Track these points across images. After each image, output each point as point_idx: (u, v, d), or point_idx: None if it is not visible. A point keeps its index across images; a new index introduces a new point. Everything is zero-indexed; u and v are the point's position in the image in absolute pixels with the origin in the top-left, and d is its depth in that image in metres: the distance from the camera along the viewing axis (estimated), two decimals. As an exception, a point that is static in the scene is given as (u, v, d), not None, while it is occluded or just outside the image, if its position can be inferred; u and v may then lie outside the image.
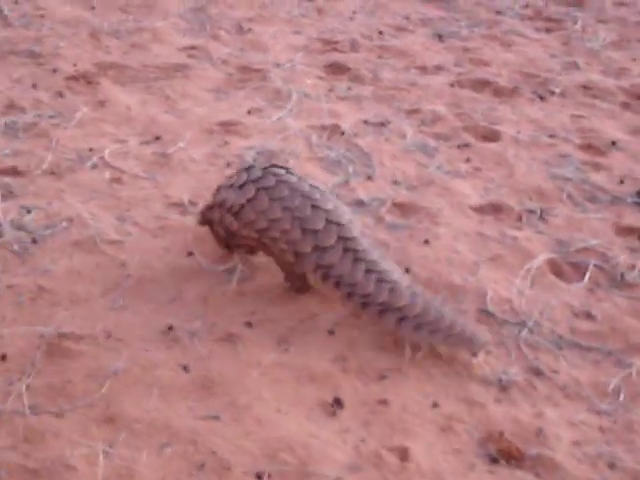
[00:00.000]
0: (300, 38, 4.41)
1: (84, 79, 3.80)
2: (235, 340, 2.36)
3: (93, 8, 4.58)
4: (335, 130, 3.52)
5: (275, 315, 2.45)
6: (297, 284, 2.57)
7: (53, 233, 2.74)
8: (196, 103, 3.67)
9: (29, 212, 2.85)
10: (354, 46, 4.35)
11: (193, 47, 4.21)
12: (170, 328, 2.38)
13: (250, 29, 4.46)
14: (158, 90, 3.77)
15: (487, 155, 3.38)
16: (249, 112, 3.63)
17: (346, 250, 2.45)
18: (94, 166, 3.14)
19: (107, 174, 3.10)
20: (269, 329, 2.41)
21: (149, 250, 2.69)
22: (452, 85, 4.04)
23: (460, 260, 2.72)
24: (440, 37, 4.58)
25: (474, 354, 2.39)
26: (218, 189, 2.64)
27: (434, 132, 3.59)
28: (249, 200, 2.52)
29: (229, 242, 2.64)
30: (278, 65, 4.08)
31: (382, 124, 3.62)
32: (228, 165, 3.18)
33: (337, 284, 2.46)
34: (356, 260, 2.45)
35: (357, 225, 2.53)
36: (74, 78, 3.82)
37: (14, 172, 3.04)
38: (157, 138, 3.38)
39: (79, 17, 4.44)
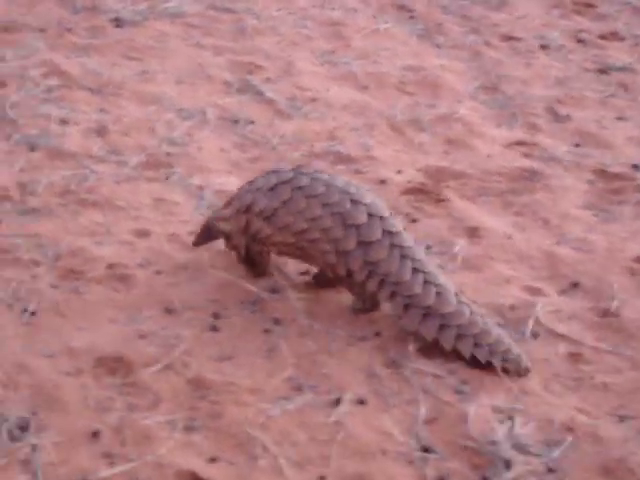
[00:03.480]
0: (630, 127, 3.80)
1: (425, 194, 3.17)
2: None
3: (366, 88, 3.94)
4: None
5: None
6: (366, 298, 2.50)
7: (565, 454, 2.09)
8: (585, 228, 3.06)
9: (510, 419, 2.20)
10: None
11: (520, 143, 3.60)
12: None
13: (568, 115, 3.83)
14: (524, 208, 3.15)
15: None
16: (660, 241, 2.99)
17: (392, 246, 2.42)
18: (535, 334, 2.49)
19: (560, 347, 2.45)
20: None
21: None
22: None
23: None
24: None
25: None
26: (237, 196, 2.60)
27: None
28: (284, 202, 2.48)
29: (251, 250, 2.60)
30: (636, 167, 3.44)
31: None
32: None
33: (382, 282, 2.42)
34: (403, 257, 2.42)
35: (399, 220, 2.51)
36: (412, 192, 3.20)
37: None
38: (575, 285, 2.73)
39: (357, 101, 3.83)
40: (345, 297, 2.60)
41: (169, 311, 2.51)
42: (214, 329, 2.46)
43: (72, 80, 3.82)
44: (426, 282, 2.41)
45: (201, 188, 3.11)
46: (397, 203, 3.13)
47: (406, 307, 2.42)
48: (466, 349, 2.37)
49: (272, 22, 4.59)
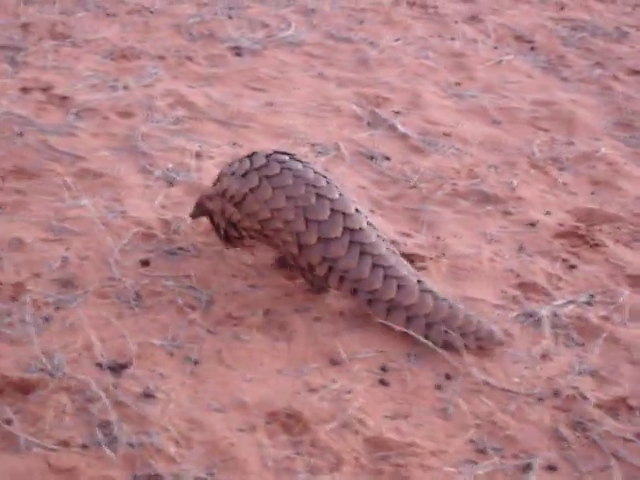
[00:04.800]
0: None
1: (580, 238, 3.03)
2: None
3: (498, 123, 3.80)
4: None
5: None
6: (315, 282, 2.58)
7: None
8: None
9: None
10: None
11: (668, 184, 3.42)
12: None
13: None
14: (686, 255, 2.97)
15: None
16: None
17: (352, 243, 2.47)
18: None
19: None
20: None
21: None
22: None
23: None
24: None
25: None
26: (219, 177, 2.67)
27: None
28: (252, 189, 2.54)
29: (229, 234, 2.66)
30: None
31: None
32: None
33: (342, 279, 2.48)
34: (363, 254, 2.47)
35: (364, 216, 2.53)
36: (565, 236, 3.06)
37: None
38: None
39: (490, 136, 3.72)
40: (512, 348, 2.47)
41: (335, 362, 2.40)
42: (384, 383, 2.34)
43: (199, 111, 3.74)
44: (386, 276, 2.46)
45: (348, 228, 2.98)
46: (551, 247, 2.99)
47: (369, 302, 2.48)
48: (437, 337, 2.43)
49: (393, 53, 4.49)
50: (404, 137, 3.67)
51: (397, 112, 3.88)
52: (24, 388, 2.22)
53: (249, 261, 2.79)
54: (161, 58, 4.25)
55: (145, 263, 2.72)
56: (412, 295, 2.46)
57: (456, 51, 4.56)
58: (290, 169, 2.55)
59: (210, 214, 2.72)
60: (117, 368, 2.29)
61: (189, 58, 4.27)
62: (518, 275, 2.83)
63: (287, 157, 2.60)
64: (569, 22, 5.07)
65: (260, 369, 2.36)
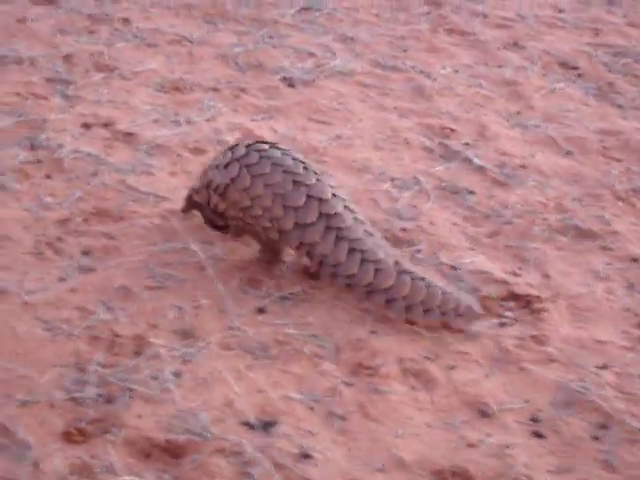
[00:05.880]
0: None
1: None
2: None
3: (569, 153, 3.74)
4: None
5: None
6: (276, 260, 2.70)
7: None
8: None
9: None
10: None
11: None
12: None
13: None
14: None
15: None
16: None
17: (328, 228, 2.54)
18: None
19: None
20: None
21: None
22: None
23: None
24: None
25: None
26: (205, 170, 2.76)
27: None
28: (233, 179, 2.63)
29: (218, 225, 2.76)
30: None
31: None
32: None
33: (321, 263, 2.56)
34: (339, 238, 2.53)
35: (341, 201, 2.60)
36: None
37: None
38: None
39: (566, 168, 3.70)
40: None
41: (484, 414, 2.30)
42: (539, 435, 2.25)
43: (270, 146, 3.61)
44: (363, 260, 2.53)
45: (454, 268, 2.89)
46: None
47: (348, 286, 2.56)
48: (418, 317, 2.51)
49: (446, 81, 4.41)
50: (481, 170, 3.59)
51: (467, 144, 3.79)
52: (173, 451, 2.10)
53: (364, 304, 2.67)
54: (215, 90, 4.14)
55: (261, 310, 2.61)
56: (390, 278, 2.51)
57: (508, 79, 4.48)
58: (269, 157, 2.63)
59: (199, 207, 2.79)
60: (265, 426, 2.17)
61: (243, 90, 4.16)
62: (637, 314, 2.75)
63: (267, 146, 2.67)
64: (608, 48, 5.01)
65: (409, 423, 2.26)
